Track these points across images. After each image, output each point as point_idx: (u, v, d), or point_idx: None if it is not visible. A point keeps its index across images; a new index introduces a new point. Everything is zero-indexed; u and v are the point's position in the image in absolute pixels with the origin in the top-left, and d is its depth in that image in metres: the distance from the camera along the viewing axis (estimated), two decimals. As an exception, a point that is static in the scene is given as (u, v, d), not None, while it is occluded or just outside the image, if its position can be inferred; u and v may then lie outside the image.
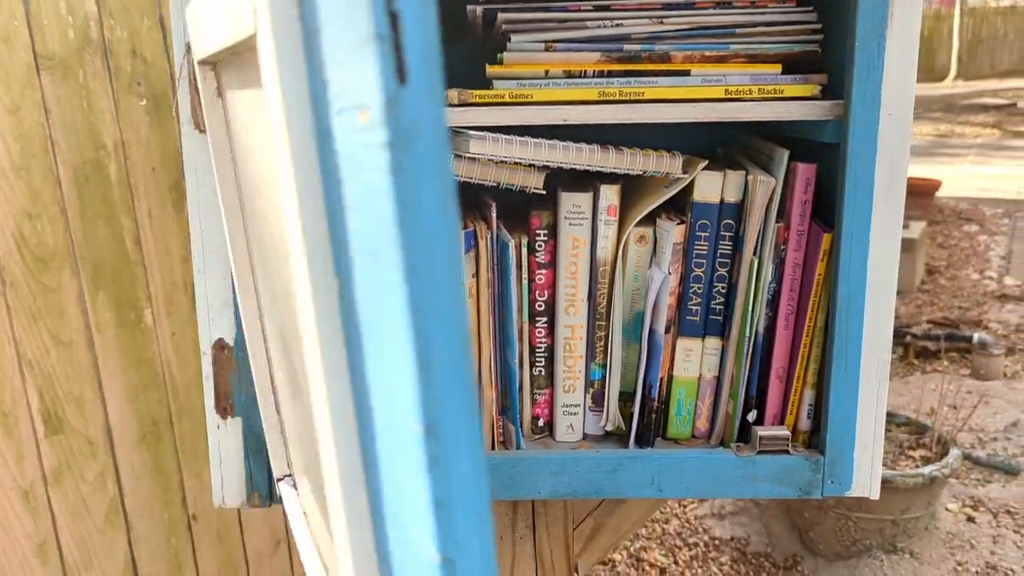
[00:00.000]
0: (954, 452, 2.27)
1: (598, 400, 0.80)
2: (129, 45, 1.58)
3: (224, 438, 0.77)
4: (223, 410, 0.76)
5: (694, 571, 2.36)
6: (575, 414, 0.80)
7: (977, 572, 2.24)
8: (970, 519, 2.49)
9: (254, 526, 1.94)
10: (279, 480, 0.70)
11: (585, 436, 0.81)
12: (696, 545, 2.48)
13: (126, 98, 1.57)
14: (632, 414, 0.78)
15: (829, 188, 0.73)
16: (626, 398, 0.80)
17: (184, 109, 0.70)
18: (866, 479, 0.72)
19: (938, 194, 7.23)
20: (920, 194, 6.54)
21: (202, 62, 0.55)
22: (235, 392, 0.75)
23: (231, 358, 0.75)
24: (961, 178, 9.01)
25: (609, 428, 0.80)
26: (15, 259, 1.42)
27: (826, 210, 0.75)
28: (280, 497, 0.70)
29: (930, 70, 22.76)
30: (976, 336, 3.62)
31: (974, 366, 3.59)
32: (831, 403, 0.71)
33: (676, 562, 2.41)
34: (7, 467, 1.43)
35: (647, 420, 0.78)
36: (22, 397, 1.44)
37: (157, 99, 1.63)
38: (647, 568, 2.39)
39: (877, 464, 0.72)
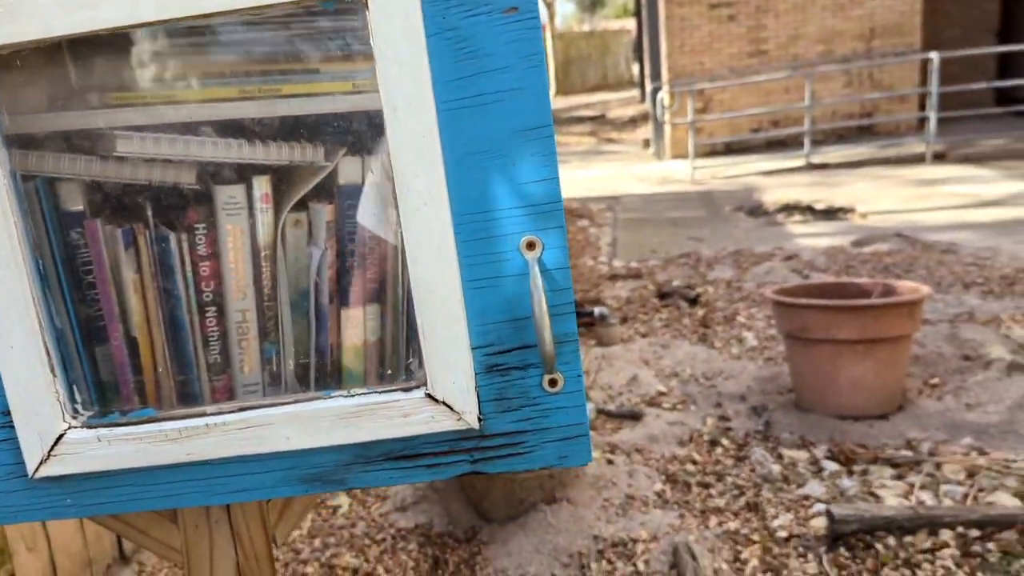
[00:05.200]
0: (589, 405, 2.63)
1: (275, 375, 0.87)
2: None
3: None
4: None
5: (385, 564, 2.47)
6: (255, 391, 0.86)
7: (620, 504, 2.62)
8: (610, 462, 2.90)
9: None
10: (60, 437, 0.70)
11: (267, 410, 0.87)
12: (384, 540, 2.59)
13: None
14: (310, 377, 0.86)
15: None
16: (302, 369, 0.88)
17: None
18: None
19: (553, 196, 8.11)
20: (538, 196, 7.28)
21: None
22: None
23: None
24: (570, 181, 10.19)
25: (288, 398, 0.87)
26: None
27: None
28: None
29: (533, 88, 25.33)
30: (596, 310, 4.17)
31: (598, 336, 4.13)
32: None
33: (367, 560, 2.49)
34: None
35: (323, 376, 0.86)
36: None
37: None
38: (340, 573, 2.44)
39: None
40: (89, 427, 0.81)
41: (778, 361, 3.68)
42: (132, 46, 0.81)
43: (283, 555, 2.55)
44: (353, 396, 0.82)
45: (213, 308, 0.84)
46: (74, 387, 0.83)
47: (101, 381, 0.85)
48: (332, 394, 0.83)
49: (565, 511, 2.55)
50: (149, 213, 0.78)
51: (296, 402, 0.82)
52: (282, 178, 0.87)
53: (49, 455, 0.81)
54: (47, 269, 0.79)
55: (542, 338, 0.78)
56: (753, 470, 2.77)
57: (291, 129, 0.85)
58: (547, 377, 0.84)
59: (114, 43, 0.81)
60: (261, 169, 0.83)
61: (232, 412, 0.81)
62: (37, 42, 0.73)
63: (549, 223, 0.79)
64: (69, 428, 0.81)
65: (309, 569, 2.46)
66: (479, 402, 0.83)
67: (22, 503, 0.85)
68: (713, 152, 10.80)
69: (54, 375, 0.79)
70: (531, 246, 0.80)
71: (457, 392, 0.82)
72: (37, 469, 0.82)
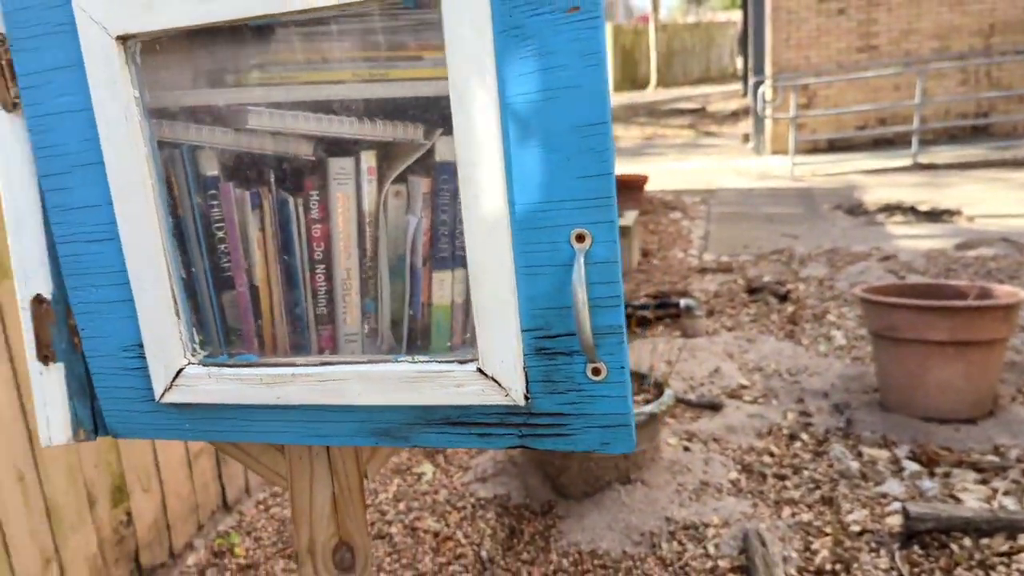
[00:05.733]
0: (668, 392, 2.69)
1: (373, 329, 0.98)
2: None
3: (47, 383, 0.85)
4: (44, 357, 0.84)
5: (464, 530, 2.59)
6: (355, 341, 0.98)
7: (694, 489, 2.67)
8: (686, 449, 2.95)
9: (21, 544, 1.89)
10: (180, 371, 0.83)
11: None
12: (464, 508, 2.72)
13: None
14: (402, 336, 0.96)
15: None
16: (396, 323, 0.99)
17: (-9, 91, 0.78)
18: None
19: (647, 188, 8.10)
20: (631, 188, 7.31)
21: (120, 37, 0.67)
22: (55, 340, 0.84)
23: (49, 310, 0.83)
24: (666, 173, 10.13)
25: (384, 348, 0.98)
26: None
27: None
28: (106, 427, 0.80)
29: (635, 80, 25.11)
30: (682, 302, 4.20)
31: (683, 327, 4.16)
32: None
33: (448, 525, 2.62)
34: None
35: (415, 337, 0.97)
36: None
37: None
38: (422, 535, 2.58)
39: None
40: (203, 365, 0.94)
41: (865, 361, 3.64)
42: (263, 33, 0.93)
43: (370, 515, 2.71)
44: (416, 363, 0.90)
45: (322, 265, 0.96)
46: (194, 329, 0.96)
47: (228, 326, 0.98)
48: (400, 359, 0.92)
49: (639, 492, 2.62)
50: (272, 179, 0.90)
51: (369, 362, 0.91)
52: (386, 153, 0.98)
53: (172, 384, 0.94)
54: (187, 224, 0.93)
55: (582, 328, 0.81)
56: (831, 466, 2.77)
57: (395, 110, 0.95)
58: (590, 366, 0.86)
59: (245, 31, 0.94)
60: (368, 144, 0.94)
61: (315, 365, 0.92)
62: (170, 31, 0.85)
63: (600, 217, 0.81)
64: (188, 364, 0.94)
65: (393, 529, 2.61)
66: (527, 381, 0.87)
67: (152, 422, 0.99)
68: (815, 149, 10.55)
69: (178, 317, 0.92)
70: (580, 238, 0.82)
71: (505, 370, 0.86)
72: (162, 395, 0.95)
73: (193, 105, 0.94)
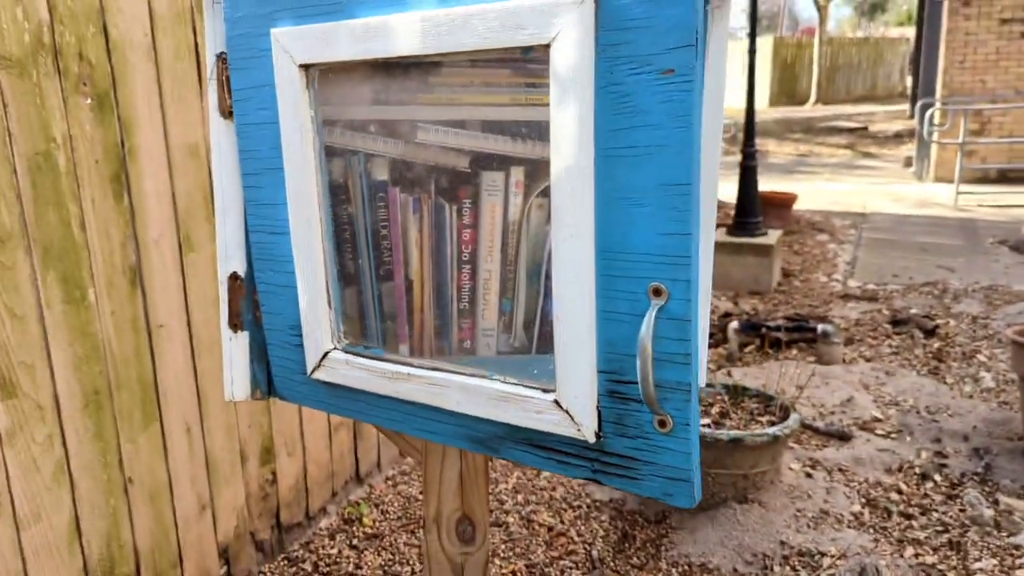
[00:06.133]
0: (794, 416, 2.67)
1: (508, 326, 1.08)
2: (77, 49, 1.76)
3: (235, 347, 1.00)
4: (234, 325, 0.99)
5: (578, 528, 2.68)
6: (491, 336, 1.08)
7: (813, 516, 2.64)
8: (809, 475, 2.92)
9: (183, 490, 2.12)
10: (326, 354, 0.95)
11: (498, 352, 1.09)
12: (579, 507, 2.80)
13: (73, 97, 1.76)
14: (533, 335, 1.06)
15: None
16: (528, 324, 1.09)
17: (212, 101, 0.94)
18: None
19: (796, 207, 7.91)
20: (778, 206, 7.16)
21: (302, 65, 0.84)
22: (244, 312, 0.99)
23: (241, 286, 0.99)
24: (817, 193, 9.81)
25: (516, 345, 1.08)
26: (-24, 238, 1.57)
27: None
28: (275, 390, 0.94)
29: (793, 95, 24.35)
30: (820, 327, 4.11)
31: (818, 353, 4.08)
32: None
33: (562, 521, 2.72)
34: (-33, 425, 1.58)
35: (544, 339, 1.07)
36: (-19, 363, 1.59)
37: (100, 98, 1.81)
38: (537, 527, 2.68)
39: (704, 359, 1.03)
40: (344, 352, 1.07)
41: (1013, 407, 3.46)
42: (432, 63, 1.05)
43: (489, 502, 2.84)
44: (506, 383, 0.96)
45: (468, 266, 1.07)
46: (340, 319, 1.09)
47: (384, 311, 1.11)
48: (494, 377, 0.98)
49: (755, 512, 2.62)
50: (432, 187, 1.02)
51: (469, 375, 0.99)
52: (533, 170, 1.08)
53: (319, 364, 1.08)
54: (358, 221, 1.06)
55: (644, 379, 0.82)
56: (963, 510, 2.67)
57: (545, 132, 1.05)
58: (656, 417, 0.87)
59: (414, 61, 1.06)
60: (518, 161, 1.05)
61: (426, 369, 1.01)
62: (341, 63, 0.98)
63: (678, 275, 0.82)
64: (333, 349, 1.07)
65: (510, 519, 2.73)
66: (599, 420, 0.90)
67: (305, 392, 1.14)
68: (984, 179, 9.94)
69: (329, 307, 1.06)
70: (657, 292, 0.83)
71: (579, 406, 0.89)
72: (312, 372, 1.09)
73: (372, 119, 1.08)
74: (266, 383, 1.08)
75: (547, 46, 0.84)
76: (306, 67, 1.00)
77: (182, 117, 1.99)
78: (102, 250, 1.83)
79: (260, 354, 1.06)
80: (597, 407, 0.90)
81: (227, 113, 1.00)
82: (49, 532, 1.76)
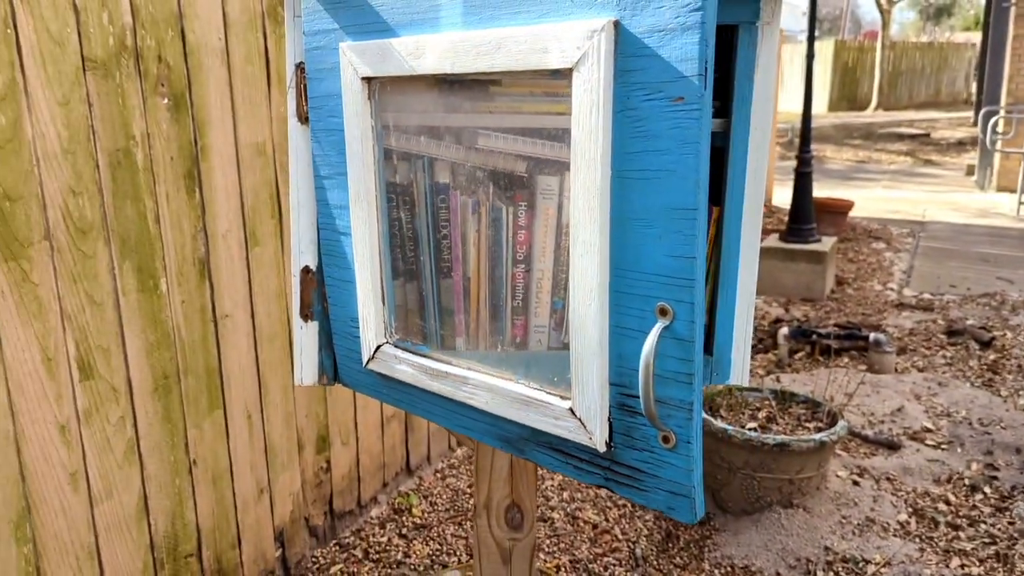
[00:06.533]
0: (841, 423, 2.68)
1: (559, 323, 1.14)
2: (156, 52, 1.86)
3: (305, 336, 1.08)
4: (305, 316, 1.06)
5: (622, 526, 2.72)
6: (543, 332, 1.14)
7: (858, 524, 2.64)
8: (855, 483, 2.91)
9: (243, 474, 2.22)
10: (379, 347, 1.01)
11: (549, 347, 1.14)
12: (624, 506, 2.84)
13: (152, 97, 1.86)
14: (583, 332, 1.12)
15: (716, 176, 1.08)
16: (579, 322, 1.14)
17: (291, 107, 1.01)
18: (739, 372, 1.07)
19: (852, 214, 7.80)
20: (834, 213, 7.08)
21: (365, 78, 0.89)
22: (314, 303, 1.06)
23: (312, 279, 1.06)
24: (874, 200, 9.66)
25: (566, 341, 1.14)
26: (61, 229, 1.68)
27: (714, 191, 1.10)
28: (339, 377, 1.00)
29: (853, 100, 23.91)
30: (872, 335, 4.08)
31: (869, 362, 4.04)
32: (717, 320, 1.06)
33: (607, 519, 2.76)
34: (48, 405, 1.69)
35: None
36: (62, 345, 1.70)
37: (177, 99, 1.92)
38: (582, 524, 2.73)
39: (747, 360, 1.07)
40: (395, 346, 1.14)
41: (1071, 421, 3.40)
42: (492, 78, 1.11)
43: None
44: (530, 388, 1.00)
45: (522, 265, 1.13)
46: (392, 316, 1.16)
47: (442, 307, 1.18)
48: (520, 380, 1.02)
49: (800, 517, 2.63)
50: (491, 190, 1.08)
51: (497, 377, 1.03)
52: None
53: (373, 356, 1.15)
54: (420, 220, 1.13)
55: (644, 395, 0.84)
56: (1012, 523, 2.65)
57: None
58: (660, 433, 0.88)
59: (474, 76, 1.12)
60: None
61: (463, 368, 1.06)
62: (396, 77, 1.03)
63: (684, 297, 0.83)
64: (385, 343, 1.13)
65: (555, 515, 2.78)
66: (610, 431, 0.93)
67: (363, 381, 1.20)
68: (1049, 188, 9.66)
69: (383, 304, 1.12)
70: (663, 312, 0.85)
71: (590, 415, 0.92)
72: (367, 363, 1.16)
73: (434, 126, 1.14)
74: (332, 370, 1.16)
75: (570, 70, 0.88)
76: (368, 79, 1.06)
77: (251, 118, 2.09)
78: (174, 242, 1.93)
79: (327, 342, 1.13)
80: (608, 418, 0.93)
81: (304, 119, 1.07)
82: (119, 509, 1.87)
